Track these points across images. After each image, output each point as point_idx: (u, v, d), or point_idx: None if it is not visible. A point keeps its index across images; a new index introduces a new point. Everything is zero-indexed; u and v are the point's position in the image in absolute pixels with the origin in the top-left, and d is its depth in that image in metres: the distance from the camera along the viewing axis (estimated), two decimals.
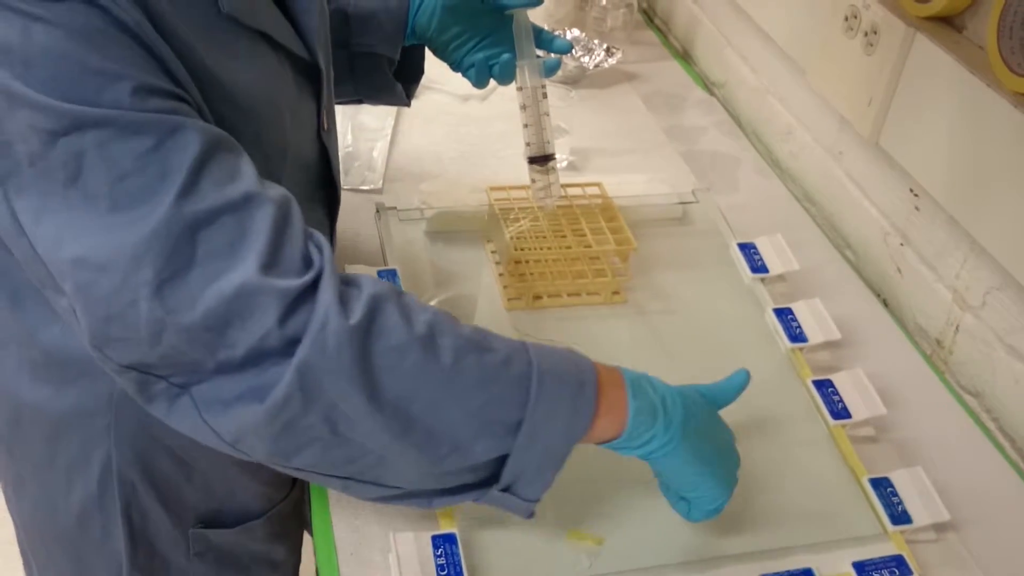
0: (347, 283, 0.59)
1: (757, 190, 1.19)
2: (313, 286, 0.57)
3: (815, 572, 0.71)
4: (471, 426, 0.61)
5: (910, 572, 0.72)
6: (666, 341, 0.92)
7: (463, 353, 0.61)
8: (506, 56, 0.89)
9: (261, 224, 0.56)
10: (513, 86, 0.91)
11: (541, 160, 0.93)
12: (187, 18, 0.58)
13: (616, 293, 0.97)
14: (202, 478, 0.80)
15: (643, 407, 0.65)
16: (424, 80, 1.26)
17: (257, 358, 0.56)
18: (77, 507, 0.78)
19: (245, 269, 0.55)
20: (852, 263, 1.10)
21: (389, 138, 1.15)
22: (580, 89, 1.33)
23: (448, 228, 1.02)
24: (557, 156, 1.15)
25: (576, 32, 1.35)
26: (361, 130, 1.15)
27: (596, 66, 1.33)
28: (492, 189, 1.00)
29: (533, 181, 0.94)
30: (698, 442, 0.67)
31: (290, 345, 0.56)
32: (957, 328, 0.95)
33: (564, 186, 1.01)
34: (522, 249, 0.95)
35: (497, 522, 0.74)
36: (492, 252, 1.00)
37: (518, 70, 0.90)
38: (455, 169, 1.12)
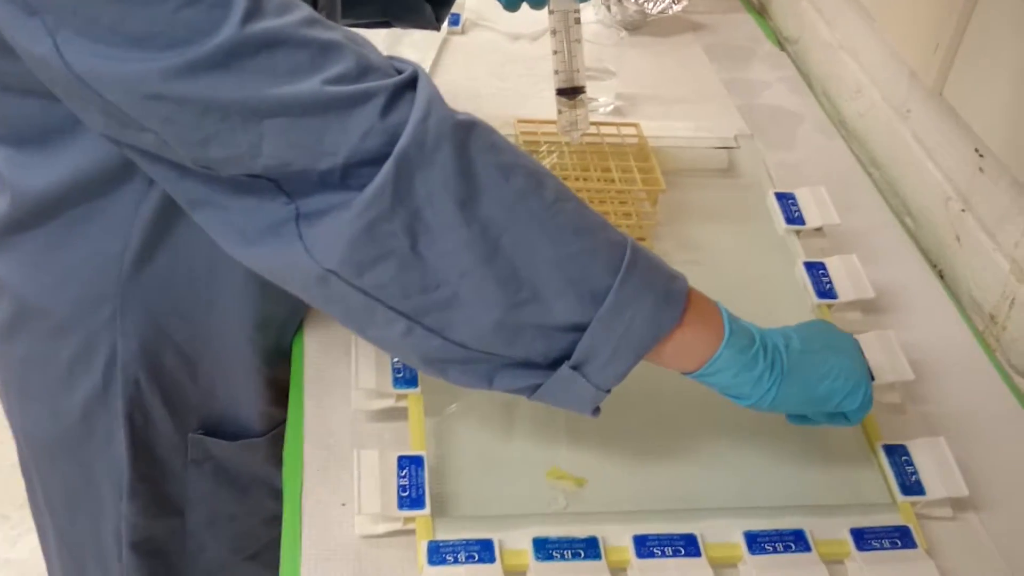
0: None
1: (816, 149, 1.11)
2: (412, 84, 0.56)
3: (807, 535, 0.65)
4: (557, 276, 0.57)
5: (914, 545, 0.65)
6: None
7: (565, 197, 0.58)
8: None
9: (338, 41, 0.55)
10: None
11: (569, 92, 0.89)
12: None
13: (642, 239, 0.92)
14: (206, 378, 0.79)
15: (738, 329, 0.62)
16: (474, 16, 1.24)
17: (358, 164, 0.54)
18: (80, 406, 0.78)
19: (337, 74, 0.54)
20: (911, 230, 1.02)
21: (428, 71, 1.12)
22: (640, 36, 1.27)
23: None
24: (603, 99, 1.11)
25: None
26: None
27: (660, 12, 1.27)
28: (520, 122, 0.96)
29: (560, 113, 0.89)
30: (808, 353, 0.64)
31: (391, 143, 0.54)
32: (1012, 302, 0.87)
33: (599, 124, 0.97)
34: None
35: (471, 454, 0.71)
36: None
37: None
38: (492, 105, 1.08)
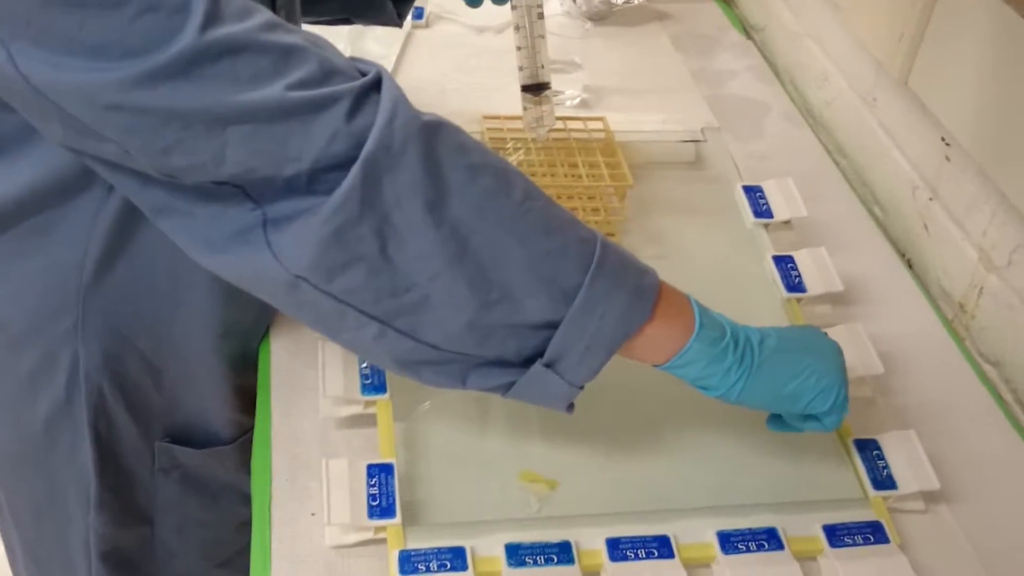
0: None
1: (784, 138, 1.11)
2: (376, 86, 0.55)
3: (780, 532, 0.65)
4: (528, 276, 0.57)
5: (887, 540, 0.65)
6: None
7: (534, 196, 0.58)
8: None
9: (300, 45, 0.54)
10: None
11: (534, 89, 0.88)
12: None
13: (611, 235, 0.91)
14: (171, 386, 0.78)
15: (709, 322, 0.62)
16: (438, 10, 1.23)
17: (324, 169, 0.53)
18: (44, 416, 0.76)
19: (299, 78, 0.53)
20: (879, 220, 1.02)
21: (392, 66, 1.11)
22: (605, 26, 1.26)
23: None
24: (569, 92, 1.10)
25: None
26: (364, 56, 1.10)
27: (625, 2, 1.26)
28: (486, 118, 0.95)
29: (525, 109, 0.88)
30: (783, 352, 0.64)
31: (357, 147, 0.53)
32: (981, 291, 0.87)
33: (565, 119, 0.96)
34: None
35: (442, 459, 0.70)
36: None
37: None
38: (457, 100, 1.07)
